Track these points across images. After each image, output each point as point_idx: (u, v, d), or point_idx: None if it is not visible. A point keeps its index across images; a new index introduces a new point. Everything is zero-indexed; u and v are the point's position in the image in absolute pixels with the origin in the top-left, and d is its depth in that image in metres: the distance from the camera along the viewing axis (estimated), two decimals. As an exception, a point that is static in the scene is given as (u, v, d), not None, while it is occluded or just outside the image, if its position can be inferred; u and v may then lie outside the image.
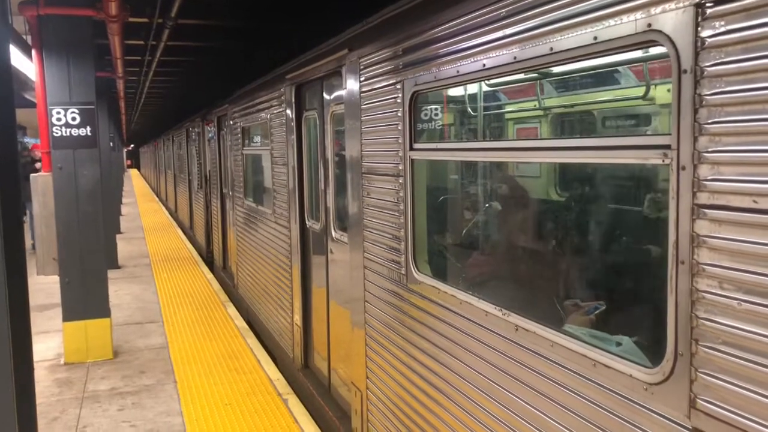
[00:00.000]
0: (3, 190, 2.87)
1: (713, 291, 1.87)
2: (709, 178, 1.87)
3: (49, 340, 8.20)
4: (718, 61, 1.82)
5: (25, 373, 3.18)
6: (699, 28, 1.87)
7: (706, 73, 1.86)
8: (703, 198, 1.89)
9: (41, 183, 7.39)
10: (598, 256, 4.39)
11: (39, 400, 4.40)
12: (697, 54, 1.88)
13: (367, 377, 4.60)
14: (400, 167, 3.91)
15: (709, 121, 1.86)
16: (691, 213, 1.92)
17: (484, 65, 3.00)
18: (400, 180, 3.91)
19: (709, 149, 1.86)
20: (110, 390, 6.61)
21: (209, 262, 13.83)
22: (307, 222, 6.45)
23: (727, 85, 1.80)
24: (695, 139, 1.90)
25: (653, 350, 2.31)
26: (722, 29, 1.80)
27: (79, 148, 7.24)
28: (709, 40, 1.84)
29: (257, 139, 9.14)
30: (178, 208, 21.90)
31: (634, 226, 4.34)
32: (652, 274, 3.66)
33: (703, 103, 1.87)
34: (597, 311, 3.25)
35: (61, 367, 7.32)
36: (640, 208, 4.31)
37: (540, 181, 5.82)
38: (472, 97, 5.66)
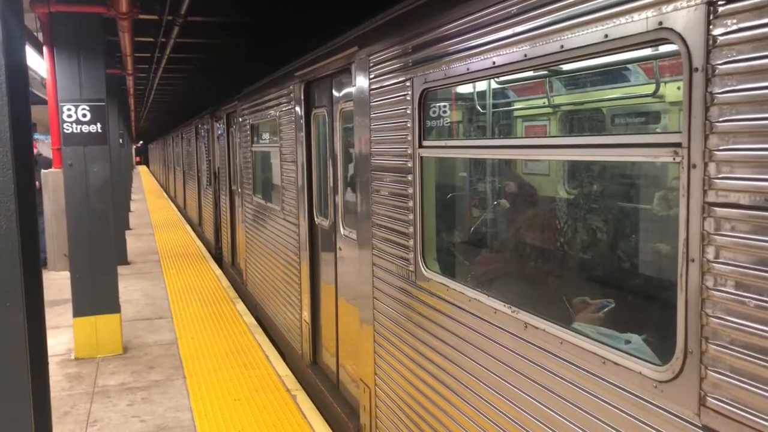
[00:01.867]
0: (19, 188, 2.90)
1: (723, 289, 1.87)
2: (720, 176, 1.87)
3: (60, 336, 8.26)
4: (730, 59, 1.82)
5: (41, 370, 3.22)
6: (711, 26, 1.87)
7: (717, 71, 1.86)
8: (713, 196, 1.89)
9: (52, 179, 7.44)
10: (606, 253, 4.39)
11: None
12: (708, 52, 1.88)
13: (376, 374, 4.62)
14: (409, 164, 3.92)
15: (721, 119, 1.86)
16: (701, 211, 1.92)
17: (494, 63, 3.00)
18: (409, 177, 3.92)
19: (720, 147, 1.86)
20: (120, 385, 6.66)
21: (218, 259, 13.88)
22: (315, 219, 6.47)
23: (739, 83, 1.80)
24: (706, 137, 1.90)
25: (662, 348, 2.31)
26: (734, 27, 1.80)
27: (89, 145, 7.28)
28: (720, 38, 1.84)
29: (266, 136, 9.17)
30: (187, 204, 21.98)
31: (642, 224, 4.34)
32: (661, 272, 3.66)
33: (715, 101, 1.87)
34: (606, 309, 3.25)
35: (71, 362, 7.38)
36: (649, 205, 4.31)
37: (549, 179, 5.81)
38: (481, 95, 5.66)
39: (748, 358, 1.81)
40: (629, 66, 4.97)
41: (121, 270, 10.49)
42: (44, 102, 8.66)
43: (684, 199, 1.97)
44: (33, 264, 3.08)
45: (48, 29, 7.33)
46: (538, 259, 4.30)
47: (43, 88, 10.15)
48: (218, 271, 12.45)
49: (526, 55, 2.75)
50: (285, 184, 7.40)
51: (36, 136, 25.72)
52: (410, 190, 3.92)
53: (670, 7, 2.00)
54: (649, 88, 4.94)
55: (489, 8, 3.02)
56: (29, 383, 2.97)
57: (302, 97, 6.53)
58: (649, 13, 2.08)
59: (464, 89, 5.39)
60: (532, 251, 4.37)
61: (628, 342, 2.75)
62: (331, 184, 5.90)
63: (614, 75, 5.15)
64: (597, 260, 4.42)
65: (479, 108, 5.72)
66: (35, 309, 3.10)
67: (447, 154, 3.95)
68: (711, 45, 1.87)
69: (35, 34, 9.06)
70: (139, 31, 8.84)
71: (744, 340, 1.82)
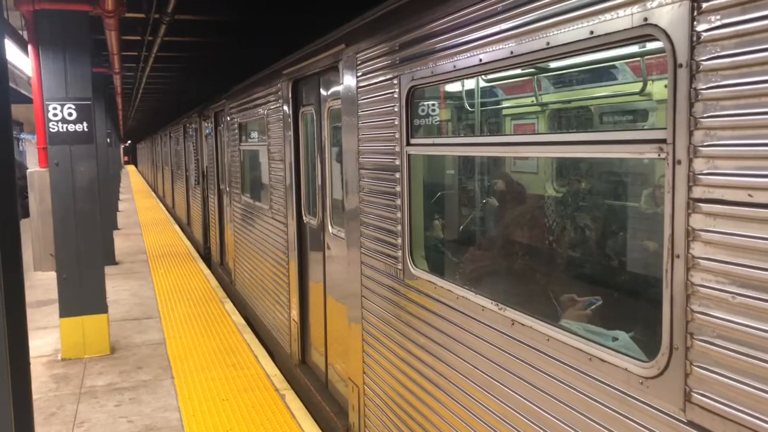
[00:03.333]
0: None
1: (708, 285, 1.88)
2: (705, 172, 1.87)
3: (47, 336, 8.19)
4: (714, 55, 1.82)
5: (22, 369, 3.18)
6: (695, 23, 1.87)
7: (701, 67, 1.86)
8: (698, 192, 1.89)
9: (38, 179, 7.37)
10: (594, 251, 4.40)
11: (36, 395, 4.39)
12: (692, 48, 1.88)
13: (364, 373, 4.60)
14: (397, 162, 3.90)
15: (705, 115, 1.86)
16: (686, 207, 1.92)
17: (480, 60, 2.99)
18: (397, 175, 3.91)
19: (705, 143, 1.86)
20: (107, 385, 6.61)
21: (207, 258, 13.82)
22: (304, 218, 6.45)
23: (723, 79, 1.80)
24: (691, 134, 1.90)
25: (649, 344, 2.31)
26: (718, 23, 1.80)
27: (75, 144, 7.22)
28: (704, 34, 1.84)
29: (254, 134, 9.13)
30: (176, 204, 21.88)
31: (630, 222, 4.35)
32: (647, 269, 3.67)
33: (699, 97, 1.87)
34: (593, 306, 3.25)
35: (58, 363, 7.32)
36: (636, 203, 4.32)
37: (537, 177, 5.83)
38: (470, 93, 5.65)
39: (733, 353, 1.81)
40: (617, 64, 4.99)
41: (109, 270, 10.42)
42: (30, 101, 8.58)
43: (669, 195, 1.97)
44: (14, 263, 3.04)
45: (33, 27, 7.27)
46: (526, 257, 4.31)
47: (29, 86, 10.06)
48: (207, 271, 12.40)
49: (512, 53, 2.75)
50: (273, 183, 7.37)
51: (23, 135, 25.48)
52: (398, 188, 3.91)
53: (655, 3, 2.00)
54: (637, 86, 4.96)
55: (475, 5, 3.01)
56: (9, 385, 2.92)
57: (290, 96, 6.51)
58: (634, 9, 2.08)
59: (452, 88, 5.39)
60: (520, 249, 4.37)
61: (615, 339, 2.76)
62: (320, 183, 5.88)
63: (602, 73, 5.16)
64: (584, 258, 4.43)
65: (468, 107, 5.71)
66: (16, 309, 3.06)
67: (434, 151, 3.94)
68: (695, 41, 1.87)
69: (20, 32, 8.97)
70: (125, 29, 8.77)
71: (729, 336, 1.82)
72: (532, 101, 5.92)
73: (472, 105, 5.75)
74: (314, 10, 8.01)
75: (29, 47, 7.51)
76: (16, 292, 3.08)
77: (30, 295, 3.39)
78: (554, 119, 5.94)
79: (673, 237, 1.97)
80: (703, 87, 1.85)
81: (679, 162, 1.94)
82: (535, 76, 5.57)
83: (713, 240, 1.86)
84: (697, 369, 1.92)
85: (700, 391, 1.92)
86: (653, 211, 4.00)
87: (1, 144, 2.91)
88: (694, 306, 1.92)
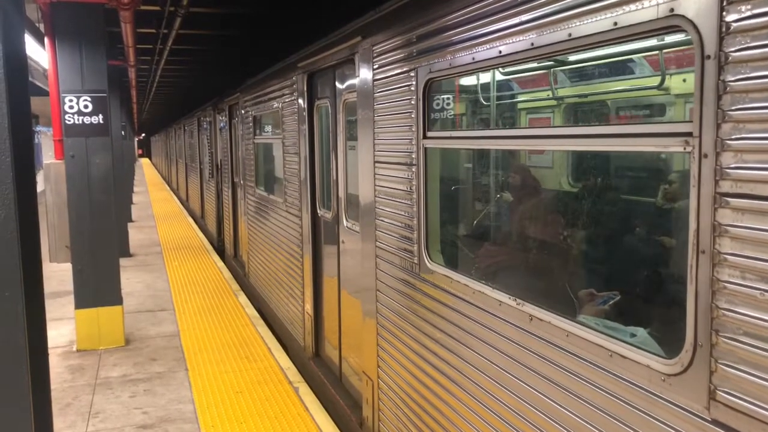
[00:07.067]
0: (18, 176, 2.87)
1: (735, 281, 1.84)
2: (732, 166, 1.83)
3: (62, 327, 8.25)
4: (743, 46, 1.78)
5: (41, 360, 3.20)
6: (723, 13, 1.83)
7: (730, 58, 1.81)
8: (725, 186, 1.85)
9: (54, 171, 7.41)
10: (611, 246, 4.36)
11: (52, 386, 4.41)
12: (721, 39, 1.84)
13: (379, 366, 4.59)
14: (413, 156, 3.88)
15: (733, 107, 1.82)
16: (712, 202, 1.89)
17: (500, 52, 2.96)
18: (413, 169, 3.89)
19: (733, 136, 1.82)
20: (122, 377, 6.65)
21: (220, 251, 13.87)
22: (318, 211, 6.44)
23: (752, 70, 1.76)
24: (718, 126, 1.86)
25: (669, 342, 2.28)
26: (748, 13, 1.76)
27: (91, 136, 7.25)
28: (734, 24, 1.80)
29: (269, 128, 9.13)
30: (190, 197, 21.97)
31: (646, 217, 4.30)
32: (667, 265, 3.62)
33: (727, 89, 1.83)
34: (611, 301, 3.22)
35: (73, 354, 7.37)
36: (653, 198, 4.27)
37: (552, 172, 5.78)
38: (485, 87, 5.61)
39: (760, 350, 1.78)
40: (634, 58, 4.93)
41: (124, 262, 10.49)
42: (46, 93, 8.62)
43: (695, 189, 1.94)
44: (32, 253, 3.05)
45: (49, 19, 7.30)
46: (543, 252, 4.27)
47: (45, 79, 10.12)
48: (220, 264, 12.44)
49: (533, 44, 2.71)
50: (287, 176, 7.36)
51: (38, 127, 25.66)
52: (414, 182, 3.89)
53: (682, -7, 1.95)
54: (655, 81, 4.90)
55: (495, -4, 2.97)
56: (28, 374, 2.94)
57: (305, 89, 6.49)
58: (660, -1, 2.04)
59: (467, 81, 5.34)
60: (537, 244, 4.33)
61: (633, 335, 2.72)
62: (334, 176, 5.87)
63: (619, 67, 5.10)
64: (602, 253, 4.38)
65: (482, 100, 5.67)
66: (35, 299, 3.07)
67: (451, 144, 3.91)
68: (724, 32, 1.83)
69: (37, 24, 9.02)
70: (140, 22, 8.80)
71: (756, 333, 1.78)
72: (548, 95, 5.87)
73: (487, 99, 5.71)
74: (330, 2, 7.98)
75: (46, 40, 7.54)
76: (35, 283, 3.10)
77: (45, 287, 3.41)
78: (570, 113, 5.88)
79: (699, 232, 1.93)
80: (732, 79, 1.81)
81: (706, 156, 1.90)
82: (551, 70, 5.52)
83: (741, 235, 1.82)
84: (723, 366, 1.89)
85: (726, 389, 1.88)
86: (671, 207, 3.95)
87: (21, 138, 2.92)
88: (719, 302, 1.89)
